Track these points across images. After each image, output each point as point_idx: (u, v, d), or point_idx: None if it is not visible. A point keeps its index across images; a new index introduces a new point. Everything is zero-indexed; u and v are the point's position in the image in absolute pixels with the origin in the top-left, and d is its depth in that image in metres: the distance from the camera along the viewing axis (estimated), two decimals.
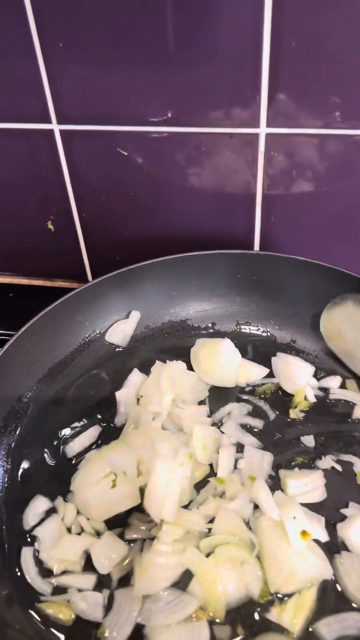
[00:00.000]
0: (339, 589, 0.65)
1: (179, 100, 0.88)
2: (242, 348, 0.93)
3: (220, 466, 0.76)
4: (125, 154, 0.95)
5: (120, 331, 0.95)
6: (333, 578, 0.66)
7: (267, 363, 0.90)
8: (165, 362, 0.88)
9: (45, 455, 0.81)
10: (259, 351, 0.93)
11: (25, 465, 0.80)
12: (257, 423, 0.83)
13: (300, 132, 0.88)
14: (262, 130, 0.88)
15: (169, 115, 0.90)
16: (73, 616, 0.65)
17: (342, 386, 0.87)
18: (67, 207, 1.05)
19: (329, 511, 0.72)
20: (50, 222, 1.08)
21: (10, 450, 0.80)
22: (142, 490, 0.72)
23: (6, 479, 0.78)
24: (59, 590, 0.67)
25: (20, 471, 0.79)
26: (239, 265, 0.95)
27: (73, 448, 0.81)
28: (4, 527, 0.73)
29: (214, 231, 1.02)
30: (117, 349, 0.95)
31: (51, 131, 0.95)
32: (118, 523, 0.72)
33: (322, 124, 0.86)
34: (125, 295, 0.96)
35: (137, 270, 0.94)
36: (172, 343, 0.96)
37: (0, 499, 0.76)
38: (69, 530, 0.72)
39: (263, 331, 0.96)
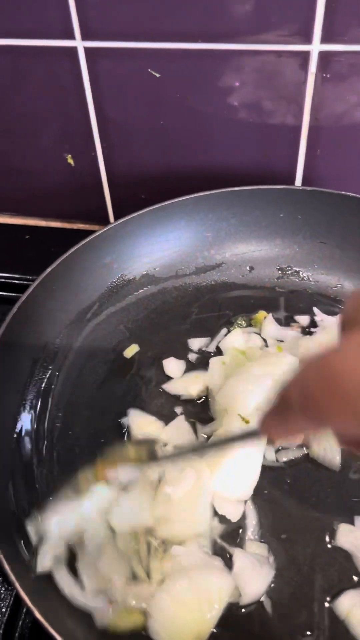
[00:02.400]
0: None
1: (218, 10, 0.77)
2: (282, 296, 0.86)
3: None
4: (158, 75, 0.85)
5: None
6: None
7: (308, 312, 0.83)
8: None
9: None
10: (301, 299, 0.86)
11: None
12: None
13: (358, 50, 0.78)
14: (316, 47, 0.78)
15: (208, 29, 0.79)
16: None
17: None
18: (90, 138, 0.95)
19: None
20: (70, 156, 0.99)
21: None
22: None
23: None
24: None
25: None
26: (282, 203, 0.86)
27: None
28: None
29: (253, 165, 0.93)
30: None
31: (74, 49, 0.84)
32: None
33: None
34: (155, 236, 0.88)
35: (168, 207, 0.86)
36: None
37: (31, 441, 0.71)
38: None
39: (307, 276, 0.88)
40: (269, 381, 0.67)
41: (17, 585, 0.53)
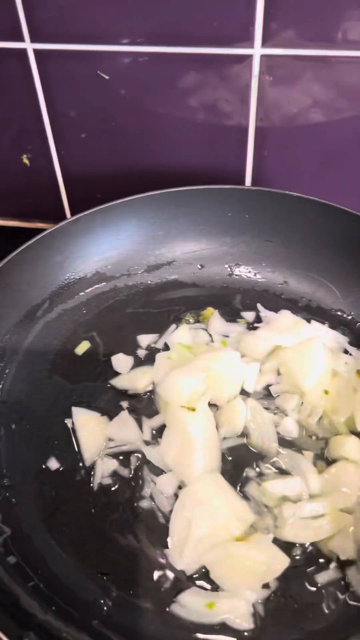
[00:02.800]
0: None
1: (165, 15, 0.79)
2: (230, 293, 0.88)
3: None
4: (107, 77, 0.87)
5: None
6: None
7: (254, 309, 0.86)
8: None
9: None
10: (248, 296, 0.88)
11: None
12: None
13: (299, 54, 0.80)
14: (257, 50, 0.81)
15: (155, 33, 0.81)
16: None
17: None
18: (44, 138, 0.96)
19: None
20: (25, 156, 1.00)
21: None
22: None
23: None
24: None
25: None
26: (230, 202, 0.88)
27: None
28: None
29: (203, 166, 0.95)
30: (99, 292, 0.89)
31: (24, 51, 0.86)
32: None
33: (324, 45, 0.79)
34: (107, 234, 0.90)
35: (119, 206, 0.87)
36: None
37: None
38: None
39: (254, 274, 0.91)
40: (204, 372, 0.70)
41: None
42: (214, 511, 0.62)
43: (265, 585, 0.60)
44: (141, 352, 0.83)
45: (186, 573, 0.62)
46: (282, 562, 0.60)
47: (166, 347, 0.83)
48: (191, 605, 0.59)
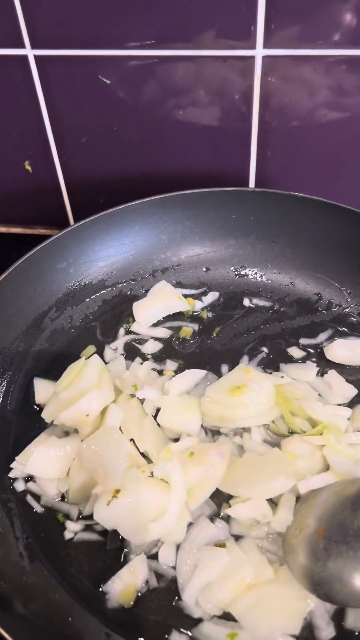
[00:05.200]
0: None
1: (166, 18, 0.79)
2: (238, 296, 0.88)
3: None
4: (108, 82, 0.87)
5: None
6: None
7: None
8: None
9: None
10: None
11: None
12: None
13: (300, 54, 0.80)
14: (259, 52, 0.80)
15: (155, 36, 0.81)
16: None
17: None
18: (46, 144, 0.96)
19: None
20: (27, 162, 1.00)
21: None
22: None
23: None
24: None
25: None
26: (234, 204, 0.88)
27: None
28: None
29: (207, 168, 0.95)
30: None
31: (25, 57, 0.86)
32: None
33: (325, 44, 0.78)
34: (111, 239, 0.89)
35: (122, 211, 0.87)
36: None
37: None
38: None
39: (260, 275, 0.90)
40: None
41: None
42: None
43: None
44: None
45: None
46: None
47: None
48: (212, 634, 0.58)
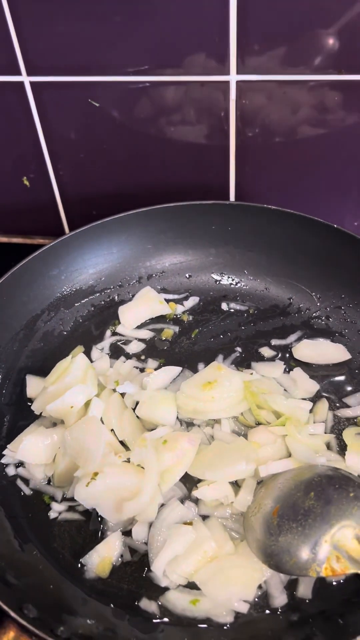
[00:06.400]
0: None
1: (148, 48, 0.87)
2: (217, 301, 0.95)
3: None
4: (97, 105, 0.95)
5: None
6: None
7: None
8: None
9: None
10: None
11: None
12: None
13: (271, 79, 0.87)
14: (233, 77, 0.88)
15: (140, 64, 0.89)
16: None
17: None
18: (42, 162, 1.04)
19: None
20: (25, 178, 1.08)
21: None
22: None
23: None
24: None
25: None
26: (213, 216, 0.95)
27: None
28: None
29: (191, 183, 1.02)
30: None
31: (21, 83, 0.94)
32: None
33: (293, 70, 0.86)
34: (100, 249, 0.97)
35: (110, 223, 0.94)
36: None
37: None
38: None
39: (237, 281, 0.97)
40: None
41: None
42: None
43: None
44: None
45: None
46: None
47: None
48: (177, 601, 0.64)
